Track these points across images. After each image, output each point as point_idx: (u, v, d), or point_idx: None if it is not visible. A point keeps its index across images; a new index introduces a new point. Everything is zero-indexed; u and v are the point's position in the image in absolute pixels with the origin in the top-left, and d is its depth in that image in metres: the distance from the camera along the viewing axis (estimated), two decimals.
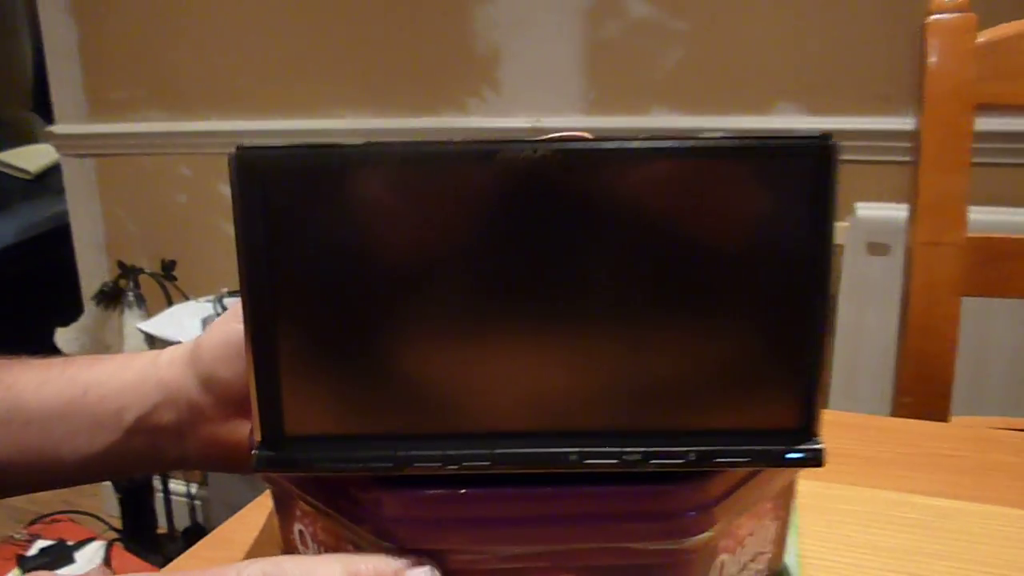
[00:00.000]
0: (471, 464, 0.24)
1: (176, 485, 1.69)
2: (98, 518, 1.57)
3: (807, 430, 0.24)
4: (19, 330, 1.21)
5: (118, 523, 1.58)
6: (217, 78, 1.50)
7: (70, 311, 1.61)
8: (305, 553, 0.30)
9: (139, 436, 0.36)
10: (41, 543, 1.36)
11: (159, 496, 1.59)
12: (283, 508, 0.31)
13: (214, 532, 0.38)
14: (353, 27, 1.39)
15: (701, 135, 0.23)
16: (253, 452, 0.25)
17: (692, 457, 0.24)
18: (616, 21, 1.24)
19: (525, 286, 0.24)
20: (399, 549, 0.25)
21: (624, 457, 0.24)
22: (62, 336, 1.54)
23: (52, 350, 1.53)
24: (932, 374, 0.64)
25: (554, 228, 0.23)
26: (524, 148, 0.23)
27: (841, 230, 1.10)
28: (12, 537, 1.40)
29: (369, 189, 0.23)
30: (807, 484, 0.42)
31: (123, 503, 1.55)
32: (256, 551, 0.36)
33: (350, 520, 0.26)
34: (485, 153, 0.23)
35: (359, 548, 0.26)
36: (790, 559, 0.33)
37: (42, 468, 0.36)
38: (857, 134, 1.15)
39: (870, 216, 1.11)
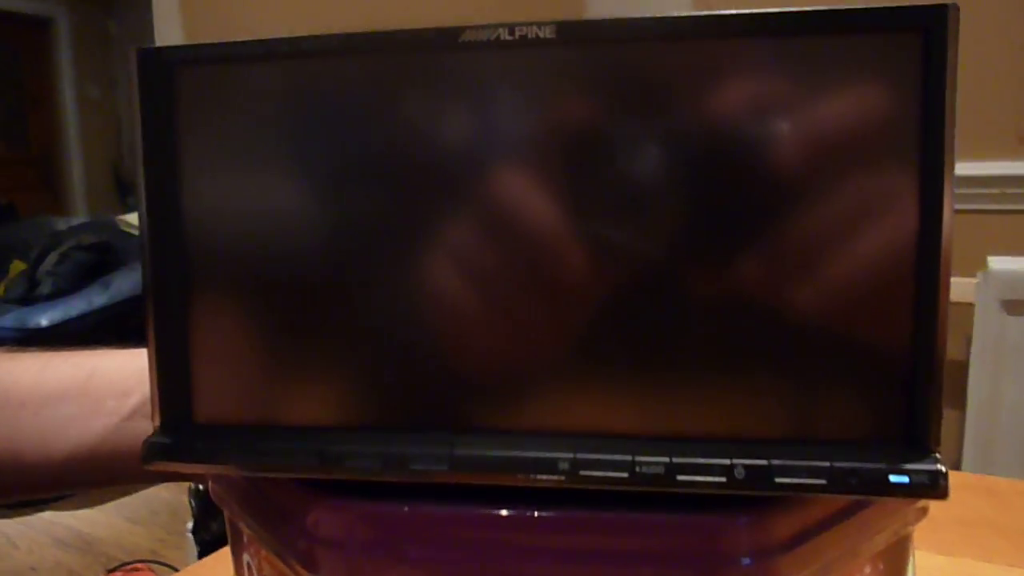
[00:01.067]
0: (422, 469, 0.17)
1: None
2: (175, 569, 1.55)
3: (919, 442, 0.16)
4: None
5: None
6: None
7: None
8: None
9: (137, 424, 0.33)
10: None
11: None
12: (234, 533, 0.25)
13: (188, 568, 0.32)
14: None
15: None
16: (146, 439, 0.19)
17: (740, 474, 0.17)
18: None
19: (510, 227, 0.17)
20: None
21: (639, 469, 0.17)
22: None
23: None
24: None
25: (552, 144, 0.17)
26: (497, 32, 0.17)
27: (971, 286, 0.98)
28: None
29: (299, 90, 0.18)
30: (928, 557, 0.32)
31: (201, 557, 1.53)
32: None
33: (284, 547, 0.20)
34: (447, 37, 0.17)
35: None
36: None
37: (27, 463, 0.33)
38: (989, 180, 1.03)
39: (1005, 270, 0.98)
